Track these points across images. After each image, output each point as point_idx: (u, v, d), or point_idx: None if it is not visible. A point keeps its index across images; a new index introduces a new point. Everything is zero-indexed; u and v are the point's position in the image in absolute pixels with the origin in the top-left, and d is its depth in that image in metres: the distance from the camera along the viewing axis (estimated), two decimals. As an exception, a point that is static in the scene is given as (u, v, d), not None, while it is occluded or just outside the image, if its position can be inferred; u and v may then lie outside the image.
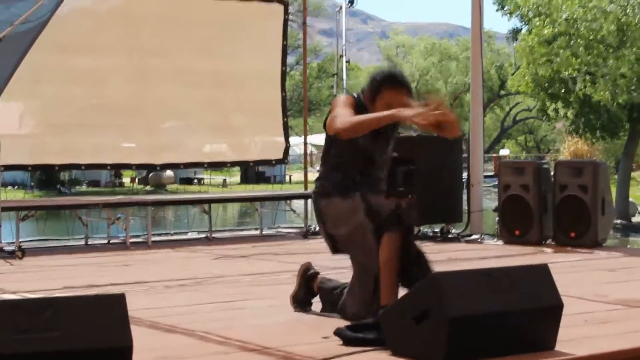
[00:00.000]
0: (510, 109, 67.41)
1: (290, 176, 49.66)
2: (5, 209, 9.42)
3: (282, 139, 12.44)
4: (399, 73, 5.57)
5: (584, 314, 5.76)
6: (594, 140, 33.49)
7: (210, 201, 11.57)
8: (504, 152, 66.44)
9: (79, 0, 11.42)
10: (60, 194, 41.18)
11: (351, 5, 11.50)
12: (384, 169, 5.64)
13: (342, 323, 5.18)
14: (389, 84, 5.36)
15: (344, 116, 5.21)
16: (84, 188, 46.33)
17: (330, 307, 5.72)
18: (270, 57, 12.18)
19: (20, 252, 9.14)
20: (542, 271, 4.86)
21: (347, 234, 5.44)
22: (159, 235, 11.58)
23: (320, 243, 10.37)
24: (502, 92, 62.35)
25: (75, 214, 11.09)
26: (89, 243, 10.68)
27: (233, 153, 12.44)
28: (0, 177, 9.53)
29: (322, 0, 58.93)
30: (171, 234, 11.78)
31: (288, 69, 46.17)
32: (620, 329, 5.35)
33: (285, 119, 12.37)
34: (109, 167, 11.79)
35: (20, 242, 9.67)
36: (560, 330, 4.77)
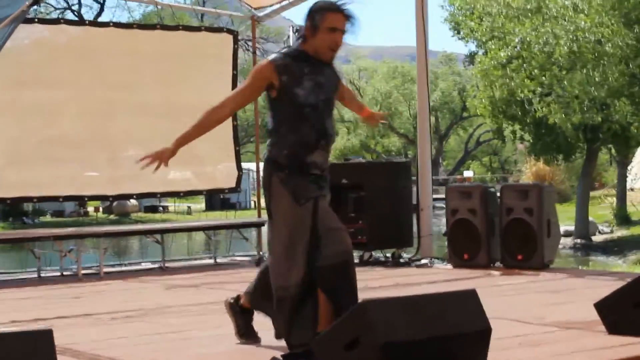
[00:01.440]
0: (474, 131, 67.84)
1: (255, 201, 49.64)
2: (-45, 243, 9.46)
3: (235, 167, 12.51)
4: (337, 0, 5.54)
5: (519, 337, 5.86)
6: (551, 161, 33.84)
7: (162, 231, 11.63)
8: (467, 173, 66.81)
9: (35, 33, 11.53)
10: (24, 225, 40.97)
11: (298, 33, 11.58)
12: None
13: (279, 352, 5.26)
14: (329, 9, 5.40)
15: (223, 105, 5.63)
16: (48, 218, 46.11)
17: (261, 297, 5.75)
18: (221, 86, 12.25)
19: (-29, 287, 9.17)
20: (470, 296, 4.96)
21: (280, 232, 5.46)
22: (113, 266, 11.61)
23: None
24: (465, 114, 62.74)
25: (27, 246, 11.11)
26: (41, 276, 10.70)
27: (197, 181, 12.51)
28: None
29: (283, 27, 59.24)
30: (125, 264, 11.81)
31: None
32: (553, 350, 5.45)
33: (237, 148, 12.46)
34: (61, 199, 11.82)
35: (-28, 276, 9.71)
36: (494, 353, 4.88)
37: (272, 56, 5.51)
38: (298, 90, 5.39)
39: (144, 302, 8.19)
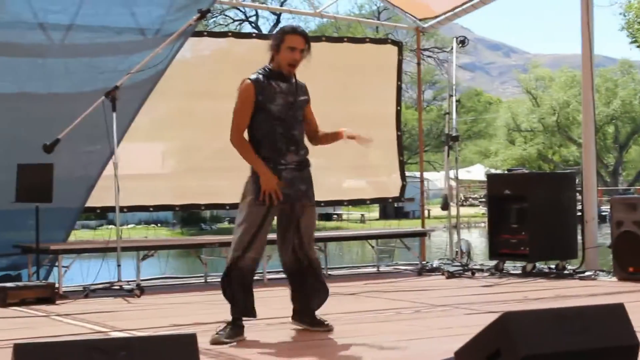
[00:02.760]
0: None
1: (429, 210, 49.51)
2: (125, 248, 9.83)
3: (399, 177, 12.58)
4: (297, 25, 6.88)
5: (674, 354, 5.69)
6: None
7: (324, 240, 11.76)
8: (649, 184, 64.79)
9: (212, 44, 11.93)
10: (201, 231, 42.11)
11: (462, 45, 11.52)
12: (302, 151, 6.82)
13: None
14: (289, 32, 6.57)
15: (238, 131, 6.56)
16: (225, 225, 47.15)
17: None
18: (385, 97, 12.38)
19: (139, 291, 9.49)
20: (618, 310, 4.87)
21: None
22: (277, 272, 11.79)
23: (432, 280, 10.54)
24: (646, 124, 61.01)
25: (194, 253, 11.45)
26: (208, 281, 11.01)
27: (369, 190, 12.65)
28: (112, 216, 9.88)
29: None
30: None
31: (425, 105, 46.33)
32: None
33: (402, 158, 12.52)
34: (228, 207, 12.04)
35: (141, 280, 10.06)
36: (645, 370, 4.77)
37: (252, 76, 6.58)
38: (272, 107, 6.52)
39: (302, 309, 8.29)
